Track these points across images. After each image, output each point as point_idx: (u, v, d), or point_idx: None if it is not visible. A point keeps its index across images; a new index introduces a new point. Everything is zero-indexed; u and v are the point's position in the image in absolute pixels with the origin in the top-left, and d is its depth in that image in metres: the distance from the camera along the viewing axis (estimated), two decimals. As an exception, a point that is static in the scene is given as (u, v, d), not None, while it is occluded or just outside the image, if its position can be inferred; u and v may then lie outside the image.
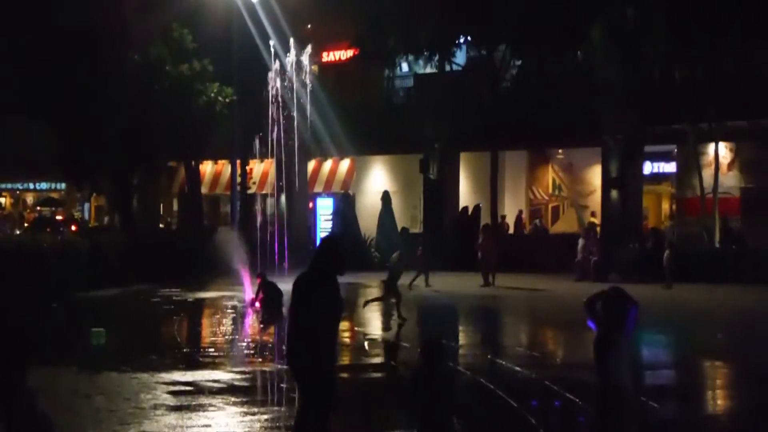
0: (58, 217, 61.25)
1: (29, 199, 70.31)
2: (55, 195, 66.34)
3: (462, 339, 22.49)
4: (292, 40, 37.68)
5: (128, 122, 37.39)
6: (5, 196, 69.58)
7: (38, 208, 67.29)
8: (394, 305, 23.87)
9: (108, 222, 52.37)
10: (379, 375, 17.09)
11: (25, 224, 58.44)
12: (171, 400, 13.74)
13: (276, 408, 13.66)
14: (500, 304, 29.31)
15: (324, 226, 44.86)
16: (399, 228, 44.27)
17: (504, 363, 17.98)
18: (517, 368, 16.96)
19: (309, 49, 38.38)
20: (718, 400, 16.27)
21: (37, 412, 7.81)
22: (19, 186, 67.67)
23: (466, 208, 44.30)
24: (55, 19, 35.50)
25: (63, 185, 62.59)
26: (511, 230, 45.87)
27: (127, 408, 13.32)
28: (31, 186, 67.59)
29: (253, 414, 13.05)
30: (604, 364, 9.91)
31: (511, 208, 46.84)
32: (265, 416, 12.95)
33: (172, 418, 12.55)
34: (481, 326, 26.08)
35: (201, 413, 12.94)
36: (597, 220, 42.39)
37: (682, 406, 15.36)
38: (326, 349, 10.08)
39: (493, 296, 30.91)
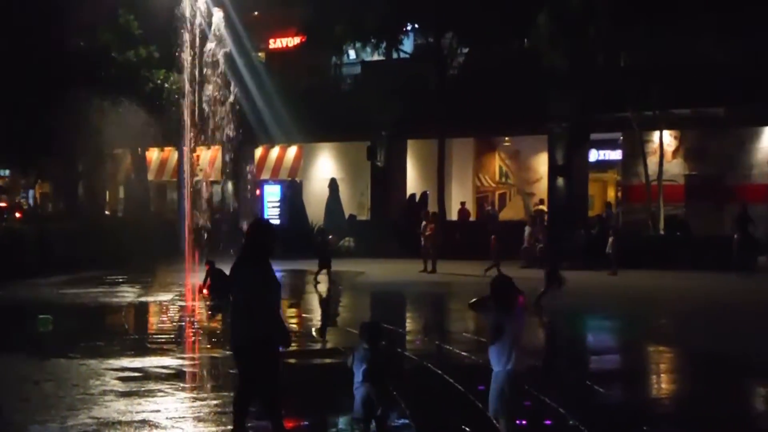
0: (1, 204, 60.72)
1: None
2: (-2, 182, 65.87)
3: (409, 325, 22.71)
4: (239, 27, 37.77)
5: (74, 107, 37.23)
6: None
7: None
8: (542, 292, 23.99)
9: (53, 209, 52.10)
10: (326, 360, 17.17)
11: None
12: (120, 386, 13.78)
13: (224, 393, 13.65)
14: (446, 291, 29.50)
15: (271, 213, 44.93)
16: (346, 215, 44.58)
17: (451, 348, 18.17)
18: (464, 353, 17.15)
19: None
20: (662, 384, 16.52)
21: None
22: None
23: (413, 195, 44.55)
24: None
25: (6, 172, 62.18)
26: (473, 216, 46.21)
27: (77, 394, 13.35)
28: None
29: (203, 399, 13.14)
30: (498, 351, 10.11)
31: (458, 196, 47.12)
32: (214, 401, 13.00)
33: (121, 404, 12.59)
34: (426, 312, 26.27)
35: (150, 399, 12.99)
36: (545, 208, 42.78)
37: (627, 389, 15.62)
38: (264, 327, 10.29)
39: (438, 282, 31.14)
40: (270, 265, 10.41)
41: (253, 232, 10.72)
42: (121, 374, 14.64)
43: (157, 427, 11.55)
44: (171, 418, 11.77)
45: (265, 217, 44.65)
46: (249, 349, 10.32)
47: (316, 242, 32.95)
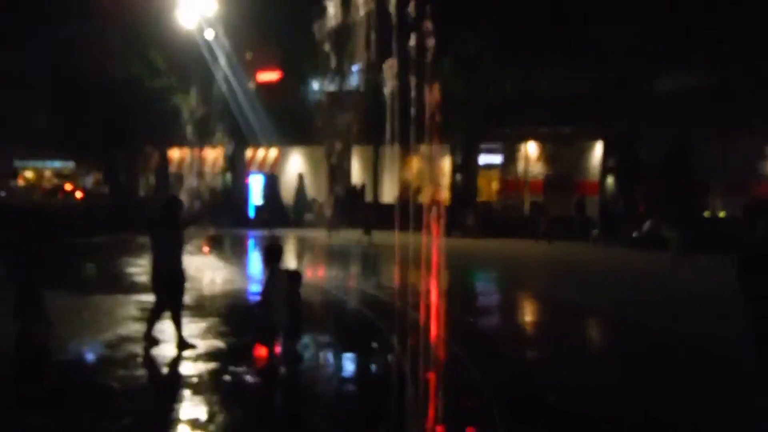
0: (68, 187, 60.76)
1: (47, 173, 69.22)
2: (66, 171, 65.58)
3: (339, 271, 22.79)
4: (235, 65, 37.65)
5: (117, 120, 37.14)
6: (31, 171, 68.63)
7: (53, 180, 66.54)
8: None
9: (102, 190, 51.78)
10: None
11: (43, 191, 57.98)
12: (138, 314, 13.86)
13: (210, 318, 13.82)
14: (375, 251, 29.70)
15: (255, 195, 44.86)
16: (309, 198, 44.72)
17: (363, 289, 18.33)
18: (377, 293, 17.33)
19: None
20: (526, 317, 16.77)
21: (46, 316, 8.11)
22: (38, 163, 66.85)
23: (355, 186, 44.64)
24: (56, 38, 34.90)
25: (72, 163, 62.09)
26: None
27: (107, 319, 13.48)
28: (48, 164, 66.78)
29: (195, 323, 13.25)
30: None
31: (388, 186, 47.23)
32: (202, 324, 13.15)
33: (137, 326, 12.68)
34: (357, 263, 26.45)
35: (158, 323, 13.08)
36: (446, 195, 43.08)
37: (491, 320, 15.88)
38: (174, 258, 11.52)
39: (370, 245, 31.32)
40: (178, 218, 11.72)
41: (167, 202, 11.79)
42: (139, 305, 14.68)
43: (160, 342, 11.68)
44: (170, 335, 11.85)
45: (249, 199, 44.72)
46: (178, 274, 11.62)
47: (364, 216, 33.07)
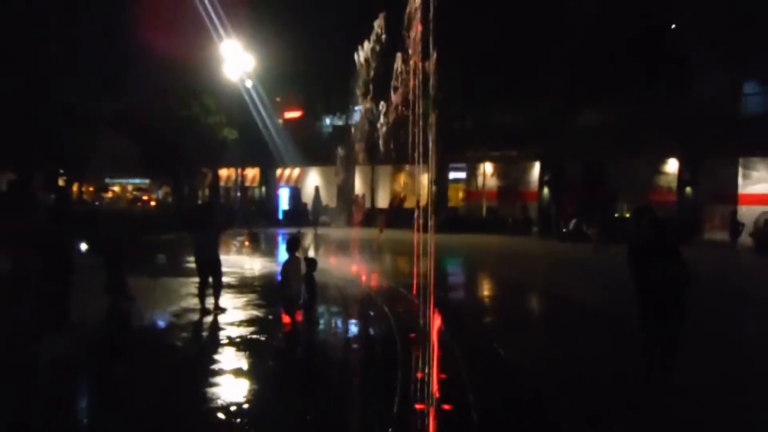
0: (144, 197, 60.78)
1: (129, 187, 69.20)
2: (143, 186, 65.63)
3: (351, 260, 22.74)
4: (267, 106, 37.58)
5: (180, 148, 37.08)
6: (117, 186, 68.67)
7: (134, 192, 66.55)
8: None
9: (169, 200, 51.69)
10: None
11: (127, 201, 57.92)
12: (196, 292, 13.62)
13: (251, 294, 13.79)
14: (382, 244, 29.61)
15: (284, 202, 44.91)
16: (324, 204, 44.73)
17: (365, 271, 18.30)
18: (383, 275, 17.28)
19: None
20: (484, 291, 16.76)
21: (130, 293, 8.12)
22: (123, 180, 66.85)
23: (357, 195, 44.60)
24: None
25: (147, 180, 62.07)
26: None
27: (173, 296, 13.44)
28: (130, 180, 66.82)
29: (238, 297, 13.24)
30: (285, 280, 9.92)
31: (383, 195, 47.14)
32: (245, 298, 13.11)
33: (195, 301, 12.53)
34: (371, 255, 26.35)
35: (212, 297, 13.03)
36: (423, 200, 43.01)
37: (459, 295, 15.88)
38: (209, 247, 11.78)
39: (380, 240, 31.22)
40: (215, 216, 12.19)
41: (206, 203, 11.90)
42: (197, 286, 14.60)
43: (211, 313, 11.66)
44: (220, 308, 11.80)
45: (279, 205, 44.72)
46: (214, 260, 11.82)
47: (377, 218, 32.79)
